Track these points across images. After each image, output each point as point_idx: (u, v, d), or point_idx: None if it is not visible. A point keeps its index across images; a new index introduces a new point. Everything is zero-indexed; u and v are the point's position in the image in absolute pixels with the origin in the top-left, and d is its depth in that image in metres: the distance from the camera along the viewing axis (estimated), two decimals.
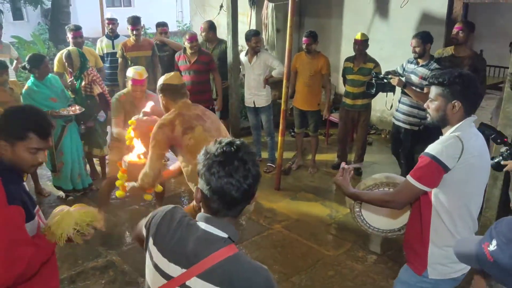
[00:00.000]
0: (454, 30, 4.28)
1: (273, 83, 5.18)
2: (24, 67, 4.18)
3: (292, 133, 5.75)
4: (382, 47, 5.96)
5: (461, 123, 1.86)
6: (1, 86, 4.13)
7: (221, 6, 5.49)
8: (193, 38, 4.92)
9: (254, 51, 4.97)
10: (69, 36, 4.92)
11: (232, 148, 1.25)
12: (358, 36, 4.63)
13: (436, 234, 1.92)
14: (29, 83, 4.15)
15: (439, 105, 1.90)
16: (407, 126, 4.29)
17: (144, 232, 1.42)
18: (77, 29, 4.97)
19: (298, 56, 4.99)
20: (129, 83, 3.74)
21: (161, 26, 5.64)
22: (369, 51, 4.81)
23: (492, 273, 0.97)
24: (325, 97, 5.05)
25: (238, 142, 1.29)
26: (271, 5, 5.88)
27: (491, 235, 1.00)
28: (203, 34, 5.32)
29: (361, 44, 4.61)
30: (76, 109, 4.19)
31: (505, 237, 0.96)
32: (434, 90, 1.93)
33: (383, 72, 4.53)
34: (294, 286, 3.25)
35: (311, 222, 4.16)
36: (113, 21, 5.71)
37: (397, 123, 4.40)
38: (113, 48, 5.64)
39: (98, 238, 3.85)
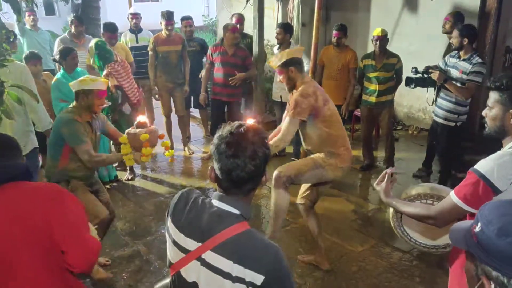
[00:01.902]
0: (444, 21, 4.58)
1: None
2: (54, 60, 4.31)
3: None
4: (411, 42, 5.84)
5: None
6: (35, 77, 4.26)
7: (247, 0, 5.49)
8: (236, 29, 4.93)
9: (283, 44, 4.95)
10: (105, 35, 5.01)
11: (241, 129, 1.31)
12: (378, 32, 4.52)
13: None
14: (58, 75, 4.26)
15: (497, 113, 1.67)
16: (443, 122, 4.17)
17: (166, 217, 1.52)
18: (113, 31, 4.97)
19: (325, 50, 4.95)
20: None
21: (186, 19, 5.68)
22: (397, 46, 4.73)
23: (475, 254, 0.99)
24: (348, 93, 4.92)
25: (247, 124, 1.34)
26: None
27: (477, 217, 1.02)
28: (238, 25, 5.33)
29: (382, 40, 4.51)
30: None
31: (486, 219, 0.98)
32: (492, 96, 1.70)
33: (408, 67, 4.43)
34: (317, 280, 3.24)
35: (335, 217, 4.13)
36: (136, 16, 5.79)
37: (435, 118, 4.29)
38: (137, 42, 5.73)
39: (125, 229, 3.95)
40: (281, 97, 5.08)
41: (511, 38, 7.03)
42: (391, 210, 2.10)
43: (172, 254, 1.41)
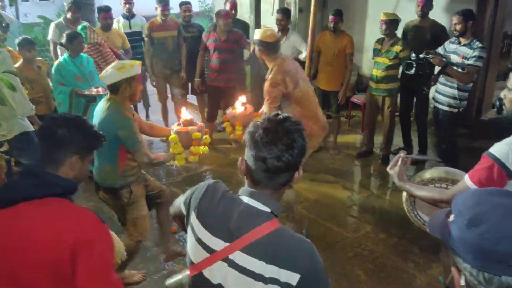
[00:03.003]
0: (418, 4, 4.59)
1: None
2: (61, 44, 4.29)
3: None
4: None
5: None
6: (29, 63, 4.23)
7: None
8: (228, 15, 4.90)
9: (283, 30, 4.92)
10: (100, 17, 4.96)
11: (278, 117, 1.26)
12: (382, 16, 4.47)
13: None
14: (61, 58, 4.26)
15: None
16: (446, 108, 4.12)
17: (183, 209, 1.42)
18: (107, 11, 5.01)
19: (321, 36, 4.90)
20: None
21: (185, 4, 5.60)
22: (397, 32, 4.66)
23: (447, 243, 0.97)
24: (345, 79, 4.87)
25: (285, 114, 1.29)
26: None
27: (452, 207, 1.01)
28: (233, 11, 5.28)
29: (385, 23, 4.43)
30: (99, 90, 4.25)
31: (458, 209, 0.96)
32: None
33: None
34: None
35: (331, 203, 4.14)
36: (129, 1, 5.70)
37: (436, 104, 4.23)
38: (130, 28, 5.66)
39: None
40: None
41: (509, 23, 7.00)
42: (404, 194, 2.10)
43: (195, 253, 1.32)
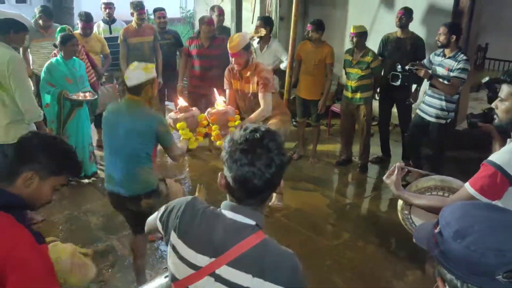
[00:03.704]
0: (398, 15, 4.70)
1: (278, 72, 5.16)
2: (55, 45, 4.26)
3: (294, 123, 5.73)
4: None
5: None
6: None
7: None
8: (212, 22, 4.93)
9: (265, 40, 4.96)
10: (79, 24, 4.90)
11: (256, 135, 1.21)
12: (352, 29, 4.56)
13: None
14: (53, 58, 4.23)
15: (510, 106, 1.73)
16: (434, 120, 4.19)
17: (159, 226, 1.40)
18: (87, 21, 4.94)
19: (302, 45, 4.95)
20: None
21: (159, 10, 5.58)
22: (374, 42, 4.76)
23: (433, 255, 0.99)
24: (325, 88, 4.91)
25: (263, 129, 1.23)
26: None
27: (439, 218, 1.02)
28: (219, 16, 5.30)
29: (356, 36, 4.52)
30: (86, 95, 4.21)
31: (445, 220, 0.98)
32: (505, 89, 1.75)
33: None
34: None
35: (310, 211, 4.16)
36: (109, 6, 5.66)
37: (422, 115, 4.29)
38: (110, 33, 5.61)
39: (98, 223, 3.88)
40: None
41: (483, 36, 7.23)
42: (400, 203, 2.12)
43: (178, 270, 1.30)
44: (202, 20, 4.91)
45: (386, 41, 4.89)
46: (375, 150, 5.19)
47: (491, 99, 2.41)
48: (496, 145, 2.26)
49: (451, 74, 3.97)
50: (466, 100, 6.40)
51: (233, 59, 3.44)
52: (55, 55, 4.36)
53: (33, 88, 4.35)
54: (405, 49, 4.62)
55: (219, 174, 1.30)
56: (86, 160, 4.51)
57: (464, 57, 3.98)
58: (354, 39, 4.53)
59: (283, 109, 3.84)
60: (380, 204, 4.46)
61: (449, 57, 4.03)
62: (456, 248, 0.91)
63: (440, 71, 4.08)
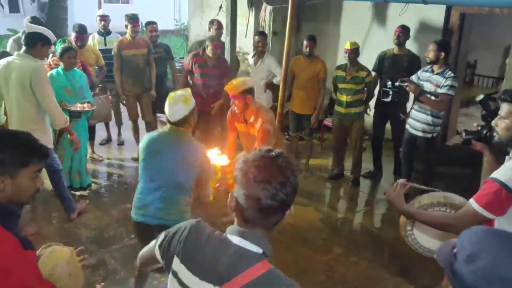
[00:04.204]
0: (395, 33, 4.79)
1: (271, 86, 5.20)
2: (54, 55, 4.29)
3: (287, 137, 5.77)
4: (379, 52, 5.98)
5: None
6: None
7: (221, 7, 5.50)
8: (220, 44, 4.84)
9: (259, 52, 5.00)
10: (73, 35, 4.90)
11: (271, 154, 1.20)
12: (348, 45, 4.62)
13: None
14: (54, 70, 4.24)
15: (510, 124, 1.79)
16: (421, 134, 4.26)
17: (158, 253, 1.35)
18: (81, 33, 4.93)
19: (296, 60, 5.00)
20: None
21: (150, 24, 5.61)
22: (366, 58, 4.83)
23: (448, 275, 1.01)
24: (317, 103, 4.96)
25: (277, 150, 1.23)
26: (269, 7, 5.90)
27: (457, 240, 1.05)
28: (220, 31, 5.31)
29: (352, 52, 4.60)
30: (85, 106, 4.22)
31: (461, 244, 1.00)
32: (505, 108, 1.82)
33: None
34: None
35: (303, 226, 4.16)
36: (105, 18, 5.70)
37: (411, 130, 4.36)
38: (105, 45, 5.63)
39: (90, 237, 3.84)
40: None
41: (471, 54, 7.37)
42: (402, 219, 2.15)
43: None
44: (211, 40, 4.78)
45: (383, 58, 4.97)
46: (367, 164, 5.23)
47: (485, 117, 2.47)
48: (488, 163, 2.31)
49: (439, 90, 4.04)
50: (456, 116, 6.50)
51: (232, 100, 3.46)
52: (50, 65, 4.36)
53: None
54: (401, 66, 4.68)
55: (229, 195, 1.25)
56: (83, 171, 4.49)
57: (452, 74, 4.06)
58: (351, 55, 4.59)
59: (280, 144, 3.79)
60: (372, 218, 4.48)
61: (437, 73, 4.11)
62: (467, 271, 0.93)
63: (428, 86, 4.15)
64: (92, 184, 4.74)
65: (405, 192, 1.99)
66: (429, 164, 4.52)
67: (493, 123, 1.88)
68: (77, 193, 4.53)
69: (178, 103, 2.54)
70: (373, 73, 4.86)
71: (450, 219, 1.87)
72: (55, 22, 6.66)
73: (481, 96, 2.59)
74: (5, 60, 3.50)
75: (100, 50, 5.44)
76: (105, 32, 5.69)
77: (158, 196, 2.56)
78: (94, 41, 5.63)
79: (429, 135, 4.25)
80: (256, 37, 5.12)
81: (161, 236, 1.37)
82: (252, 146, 3.60)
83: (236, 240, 1.22)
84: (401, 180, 2.03)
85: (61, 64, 4.21)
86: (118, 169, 5.33)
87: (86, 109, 4.26)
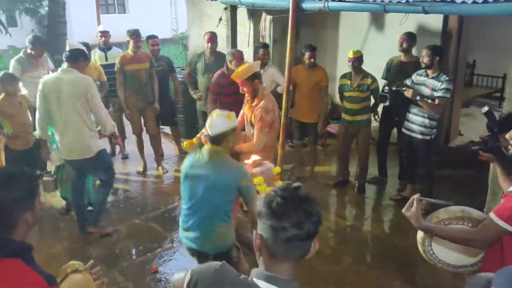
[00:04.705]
0: (400, 40, 4.80)
1: (275, 95, 5.21)
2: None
3: (290, 144, 5.78)
4: (378, 59, 6.00)
5: None
6: (10, 98, 4.15)
7: (220, 19, 5.53)
8: (242, 58, 4.72)
9: (262, 63, 5.01)
10: None
11: (292, 186, 1.25)
12: (351, 54, 4.63)
13: None
14: None
15: None
16: (420, 136, 4.32)
17: None
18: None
19: (296, 70, 5.01)
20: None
21: (152, 38, 5.63)
22: (366, 62, 4.84)
23: None
24: (322, 111, 5.00)
25: (297, 183, 1.28)
26: (269, 17, 5.92)
27: (493, 281, 1.05)
28: (211, 44, 5.32)
29: (355, 61, 4.61)
30: None
31: (498, 281, 1.01)
32: None
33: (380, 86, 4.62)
34: None
35: None
36: (105, 34, 5.74)
37: (408, 133, 4.42)
38: (106, 60, 5.66)
39: (98, 255, 3.84)
40: None
41: (469, 54, 7.39)
42: (420, 234, 2.16)
43: None
44: (233, 55, 4.66)
45: (390, 65, 5.00)
46: (372, 170, 5.24)
47: (490, 128, 2.49)
48: (498, 170, 2.34)
49: (435, 94, 4.12)
50: (458, 117, 6.52)
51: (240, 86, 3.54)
52: None
53: (30, 119, 4.33)
54: (407, 73, 4.66)
55: (254, 233, 1.27)
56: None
57: (447, 78, 4.14)
58: (355, 64, 4.62)
59: (269, 157, 3.65)
60: (380, 226, 4.49)
61: (432, 77, 4.19)
62: None
63: (424, 90, 4.21)
64: None
65: (422, 208, 2.00)
66: (430, 167, 4.55)
67: (507, 136, 1.90)
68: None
69: (220, 117, 2.53)
70: (383, 81, 4.87)
71: (471, 234, 1.90)
72: (54, 37, 6.67)
73: (486, 108, 2.61)
74: (50, 77, 3.75)
75: (101, 65, 5.47)
76: (106, 47, 5.72)
77: (195, 222, 2.58)
78: (95, 56, 5.66)
79: (428, 137, 4.32)
80: (261, 50, 5.14)
81: (188, 275, 1.37)
82: (250, 137, 3.63)
83: (263, 285, 1.21)
84: (416, 196, 2.03)
85: None
86: (124, 183, 5.34)
87: None
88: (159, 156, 5.69)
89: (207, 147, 2.59)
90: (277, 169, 3.08)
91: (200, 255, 2.63)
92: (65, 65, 3.72)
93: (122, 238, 4.12)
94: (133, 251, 3.92)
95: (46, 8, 7.52)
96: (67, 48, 3.77)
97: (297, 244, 1.22)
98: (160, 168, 5.64)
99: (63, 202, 4.57)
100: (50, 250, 3.87)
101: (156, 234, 4.18)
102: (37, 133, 3.89)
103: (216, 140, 2.53)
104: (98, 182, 4.33)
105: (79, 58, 3.75)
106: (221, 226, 2.54)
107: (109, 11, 16.11)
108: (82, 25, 11.77)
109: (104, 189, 4.09)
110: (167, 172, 5.62)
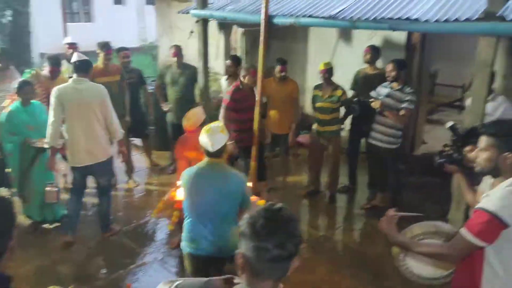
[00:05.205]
0: (364, 53, 5.03)
1: None
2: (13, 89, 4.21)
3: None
4: (346, 70, 6.17)
5: None
6: None
7: (192, 32, 5.54)
8: (256, 73, 4.57)
9: (233, 76, 5.07)
10: (47, 67, 4.81)
11: (275, 207, 1.29)
12: (322, 66, 4.77)
13: (487, 283, 1.91)
14: (13, 106, 4.12)
15: (491, 155, 1.89)
16: (386, 145, 4.49)
17: None
18: (56, 65, 4.84)
19: (267, 82, 5.06)
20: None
21: (123, 50, 5.59)
22: (334, 75, 4.97)
23: None
24: (292, 123, 5.09)
25: (279, 204, 1.31)
26: (240, 30, 5.99)
27: None
28: (177, 58, 5.34)
29: (326, 72, 4.74)
30: None
31: None
32: (485, 140, 1.91)
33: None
34: None
35: None
36: (73, 46, 5.66)
37: (375, 143, 4.57)
38: None
39: (69, 274, 3.75)
40: None
41: (432, 65, 7.71)
42: (395, 249, 2.23)
43: None
44: (247, 70, 4.62)
45: (357, 77, 5.18)
46: (342, 179, 5.35)
47: (455, 142, 2.63)
48: (460, 182, 2.47)
49: (401, 105, 4.31)
50: (422, 127, 6.77)
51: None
52: (11, 97, 4.26)
53: None
54: (373, 84, 4.83)
55: (236, 254, 1.31)
56: (52, 204, 4.36)
57: (411, 90, 4.37)
58: (326, 75, 4.74)
59: None
60: (352, 235, 4.60)
61: (397, 90, 4.39)
62: None
63: (390, 101, 4.39)
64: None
65: (395, 221, 2.09)
66: (398, 175, 4.72)
67: (473, 154, 1.99)
68: (51, 226, 4.42)
69: (218, 133, 2.65)
70: (347, 94, 5.01)
71: (444, 249, 1.97)
72: (19, 47, 6.48)
73: (450, 123, 2.76)
74: (65, 86, 3.91)
75: (69, 77, 5.34)
76: None
77: (208, 231, 2.66)
78: (62, 69, 5.53)
79: (394, 146, 4.51)
80: (229, 62, 5.24)
81: (173, 287, 1.38)
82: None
83: None
84: (391, 211, 2.12)
85: (20, 98, 4.11)
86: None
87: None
88: (130, 169, 5.61)
89: (208, 161, 2.70)
90: (261, 202, 3.07)
91: (217, 261, 2.71)
92: (75, 75, 3.91)
93: (93, 255, 4.04)
94: (106, 269, 3.84)
95: (10, 18, 7.30)
96: (75, 59, 4.01)
97: (279, 264, 1.26)
98: (131, 181, 5.56)
99: (28, 221, 4.42)
100: (18, 270, 3.72)
101: (129, 250, 4.12)
102: (48, 141, 3.89)
103: (218, 153, 2.67)
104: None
105: (89, 68, 4.03)
106: (233, 229, 2.64)
107: (74, 20, 15.72)
108: (47, 34, 11.50)
109: (106, 197, 4.32)
110: (138, 185, 5.55)
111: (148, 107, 5.84)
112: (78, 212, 4.24)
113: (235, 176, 2.71)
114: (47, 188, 4.16)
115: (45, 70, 4.83)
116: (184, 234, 2.78)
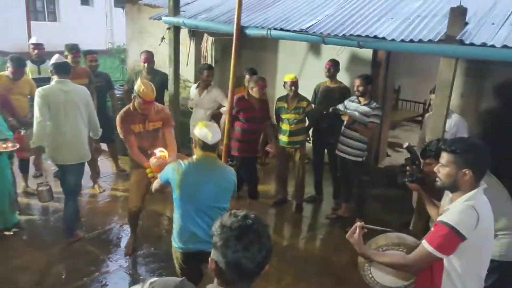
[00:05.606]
0: (326, 67, 5.15)
1: (215, 117, 5.29)
2: None
3: (231, 163, 5.85)
4: (314, 83, 6.34)
5: (474, 192, 1.96)
6: None
7: (163, 38, 5.53)
8: (265, 86, 4.68)
9: (205, 84, 5.08)
10: (10, 68, 4.65)
11: (247, 221, 1.32)
12: (289, 78, 4.86)
13: None
14: None
15: (450, 171, 1.98)
16: (353, 158, 4.62)
17: None
18: (20, 67, 4.69)
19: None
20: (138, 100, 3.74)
21: (91, 53, 5.52)
22: (303, 86, 5.10)
23: None
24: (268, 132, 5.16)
25: (252, 215, 1.35)
26: (210, 38, 6.03)
27: None
28: (147, 64, 5.31)
29: (293, 85, 4.83)
30: (8, 146, 3.97)
31: None
32: (446, 157, 2.01)
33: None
34: None
35: None
36: (39, 46, 5.53)
37: (342, 155, 4.71)
38: (39, 73, 5.45)
39: (30, 281, 3.63)
40: None
41: (396, 80, 8.03)
42: (360, 259, 2.32)
43: None
44: (255, 82, 4.62)
45: (317, 90, 5.31)
46: (308, 189, 5.47)
47: (412, 161, 2.79)
48: (423, 198, 2.62)
49: (367, 119, 4.48)
50: (385, 140, 7.03)
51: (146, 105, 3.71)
52: None
53: None
54: (333, 98, 5.01)
55: (209, 260, 1.35)
56: (6, 210, 4.19)
57: (377, 105, 4.57)
58: (293, 87, 4.83)
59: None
60: (318, 244, 4.70)
61: (364, 104, 4.55)
62: None
63: (357, 116, 4.55)
64: (27, 221, 4.50)
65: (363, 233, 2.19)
66: (363, 187, 4.88)
67: (435, 169, 2.10)
68: (11, 232, 4.26)
69: (214, 127, 2.74)
70: (312, 105, 5.14)
71: (406, 260, 2.08)
72: None
73: (406, 144, 2.92)
74: (51, 87, 3.93)
75: (34, 79, 5.21)
76: (39, 61, 5.49)
77: (206, 224, 2.68)
78: (26, 69, 5.38)
79: (360, 159, 4.65)
80: (206, 72, 5.23)
81: (147, 285, 1.37)
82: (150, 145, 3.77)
83: None
84: (359, 223, 2.22)
85: None
86: (58, 203, 5.07)
87: (9, 149, 4.00)
88: (95, 173, 5.50)
89: (203, 155, 2.72)
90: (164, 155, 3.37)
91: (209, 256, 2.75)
92: (56, 77, 3.94)
93: (56, 262, 3.93)
94: (69, 276, 3.74)
95: None
96: (54, 61, 4.05)
97: (249, 275, 1.32)
98: (96, 186, 5.45)
99: None
100: None
101: (93, 257, 4.03)
102: (35, 141, 3.87)
103: (214, 147, 2.74)
104: None
105: (70, 70, 4.13)
106: None
107: (38, 18, 15.23)
108: (8, 33, 11.11)
109: (74, 201, 4.28)
110: (104, 191, 5.45)
111: (115, 111, 5.76)
112: (76, 209, 4.36)
113: (229, 170, 2.84)
114: (39, 188, 4.16)
115: (8, 71, 4.69)
116: (176, 230, 2.79)
